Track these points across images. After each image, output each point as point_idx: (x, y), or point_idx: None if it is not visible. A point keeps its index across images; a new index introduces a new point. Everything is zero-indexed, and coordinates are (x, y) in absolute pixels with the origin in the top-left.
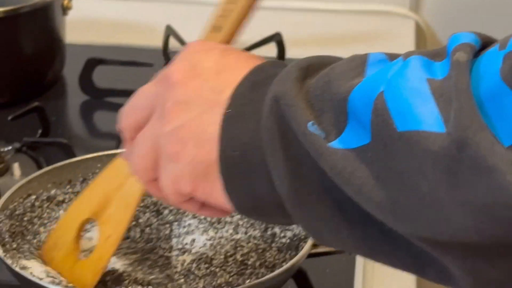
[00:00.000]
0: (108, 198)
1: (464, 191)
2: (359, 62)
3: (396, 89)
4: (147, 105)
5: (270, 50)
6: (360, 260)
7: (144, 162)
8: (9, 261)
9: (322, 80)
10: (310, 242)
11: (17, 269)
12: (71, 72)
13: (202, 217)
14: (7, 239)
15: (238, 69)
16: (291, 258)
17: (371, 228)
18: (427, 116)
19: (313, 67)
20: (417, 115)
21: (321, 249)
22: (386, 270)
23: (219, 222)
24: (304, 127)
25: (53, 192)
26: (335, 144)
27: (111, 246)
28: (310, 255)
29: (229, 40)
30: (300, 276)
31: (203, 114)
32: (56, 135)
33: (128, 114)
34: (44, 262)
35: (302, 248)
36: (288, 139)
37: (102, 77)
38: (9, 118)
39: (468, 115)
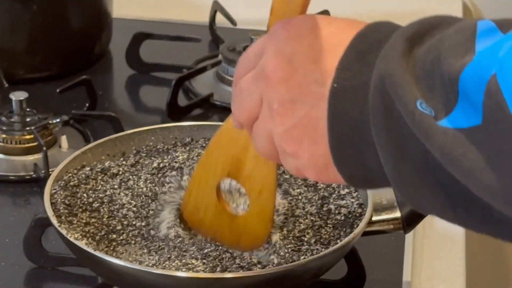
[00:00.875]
0: (237, 159)
1: None
2: (468, 35)
3: (509, 71)
4: (254, 102)
5: None
6: (409, 241)
7: (266, 152)
8: (64, 232)
9: (431, 55)
10: (365, 220)
11: (72, 239)
12: (118, 47)
13: None
14: (62, 210)
15: (334, 50)
16: (345, 236)
17: (474, 209)
18: None
19: (418, 34)
20: None
21: (375, 228)
22: (435, 250)
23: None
24: (413, 106)
25: (107, 164)
26: (444, 123)
27: (268, 199)
28: (364, 234)
29: (304, 6)
30: (350, 254)
31: (311, 111)
32: (103, 108)
33: (239, 112)
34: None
35: (357, 225)
36: (393, 118)
37: (148, 52)
38: (58, 90)
39: None
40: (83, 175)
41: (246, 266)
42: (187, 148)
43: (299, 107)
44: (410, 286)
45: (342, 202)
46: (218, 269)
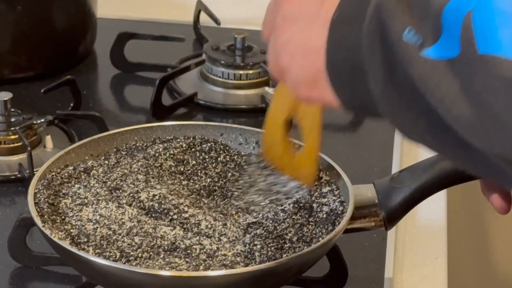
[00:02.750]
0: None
1: None
2: None
3: (483, 9)
4: (269, 19)
5: None
6: (391, 238)
7: (273, 68)
8: (47, 232)
9: None
10: (346, 217)
11: (55, 239)
12: (102, 46)
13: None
14: (45, 209)
15: None
16: (327, 233)
17: (452, 138)
18: (506, 41)
19: None
20: (498, 39)
21: (357, 225)
22: (417, 247)
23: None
24: (400, 34)
25: (89, 163)
26: (429, 52)
27: (315, 138)
28: (345, 231)
29: None
30: (332, 251)
31: (306, 28)
32: (87, 108)
33: (263, 27)
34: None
35: (339, 223)
36: (386, 44)
37: (133, 52)
38: (42, 90)
39: None
40: (66, 174)
41: (229, 265)
42: (165, 144)
43: (297, 23)
44: (392, 283)
45: (324, 200)
46: (201, 267)
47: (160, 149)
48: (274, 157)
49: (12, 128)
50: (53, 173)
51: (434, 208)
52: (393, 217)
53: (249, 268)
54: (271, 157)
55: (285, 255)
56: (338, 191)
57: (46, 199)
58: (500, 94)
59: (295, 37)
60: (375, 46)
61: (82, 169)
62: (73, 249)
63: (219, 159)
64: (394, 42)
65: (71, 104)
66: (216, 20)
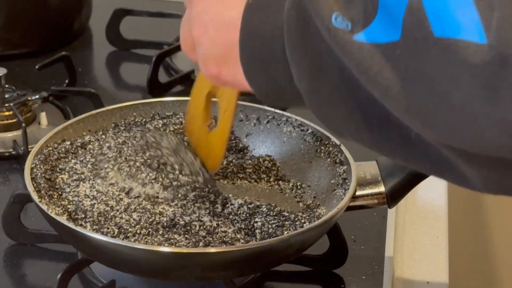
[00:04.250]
0: None
1: (503, 109)
2: None
3: None
4: None
5: None
6: (391, 216)
7: (184, 44)
8: (44, 207)
9: None
10: (348, 194)
11: (52, 214)
12: (98, 23)
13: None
14: (42, 185)
15: None
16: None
17: (391, 131)
18: (466, 23)
19: None
20: (456, 21)
21: (359, 202)
22: (417, 225)
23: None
24: (328, 21)
25: (87, 138)
26: (361, 36)
27: (228, 119)
28: (347, 208)
29: None
30: (332, 229)
31: (224, 1)
32: (83, 85)
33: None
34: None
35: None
36: (309, 33)
37: (129, 28)
38: (37, 67)
39: (511, 27)
40: (63, 149)
41: (229, 241)
42: (165, 120)
43: None
44: (392, 261)
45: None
46: (201, 244)
47: (159, 125)
48: (192, 130)
49: (7, 105)
50: (50, 148)
51: (434, 187)
52: (396, 194)
53: (249, 245)
54: (191, 129)
55: (286, 232)
56: (342, 167)
57: (43, 174)
58: (463, 82)
59: (210, 7)
60: (297, 36)
61: (79, 144)
62: (71, 225)
63: None
64: (320, 29)
65: (66, 81)
66: None
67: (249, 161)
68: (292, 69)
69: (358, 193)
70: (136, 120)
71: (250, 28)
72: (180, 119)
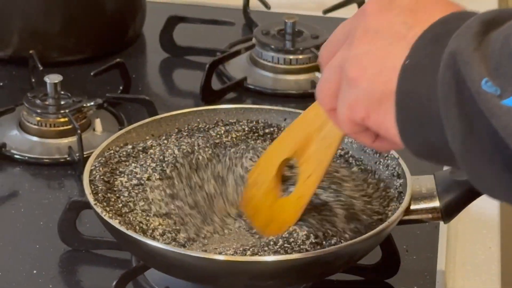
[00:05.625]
0: (309, 138)
1: None
2: None
3: None
4: (342, 35)
5: (351, 12)
6: (443, 227)
7: (327, 86)
8: (98, 210)
9: (503, 33)
10: (401, 208)
11: (106, 218)
12: (151, 30)
13: None
14: (100, 187)
15: (433, 10)
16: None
17: None
18: None
19: (497, 19)
20: None
21: (413, 216)
22: (469, 236)
23: None
24: (478, 85)
25: (149, 143)
26: (509, 101)
27: (312, 185)
28: (401, 222)
29: None
30: (385, 240)
31: (389, 45)
32: (136, 92)
33: (325, 46)
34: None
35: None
36: (463, 96)
37: (182, 35)
38: (92, 73)
39: None
40: (124, 153)
41: (280, 251)
42: (227, 127)
43: (380, 38)
44: (444, 272)
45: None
46: (249, 253)
47: (222, 132)
48: (256, 195)
49: (62, 111)
50: (112, 151)
51: (487, 197)
52: (451, 210)
53: (297, 256)
54: (252, 194)
55: (333, 240)
56: (399, 181)
57: (101, 177)
58: None
59: (373, 51)
60: (451, 98)
61: (141, 148)
62: (123, 229)
63: None
64: (472, 93)
65: (120, 88)
66: (266, 4)
67: None
68: (446, 130)
69: (412, 207)
70: (200, 126)
71: (407, 89)
72: (243, 126)
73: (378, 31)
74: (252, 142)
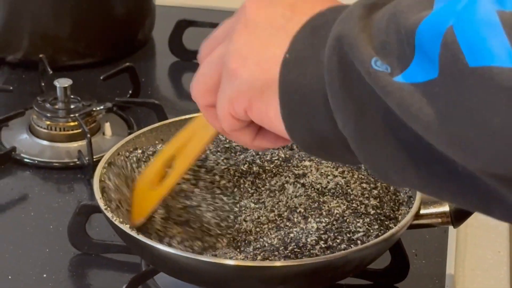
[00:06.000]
0: (190, 139)
1: None
2: None
3: (466, 22)
4: (222, 33)
5: None
6: (452, 231)
7: (203, 81)
8: (109, 214)
9: (387, 13)
10: (411, 213)
11: (117, 222)
12: (161, 34)
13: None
14: (111, 193)
15: (313, 4)
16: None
17: (437, 167)
18: (498, 50)
19: (379, 3)
20: (489, 49)
21: (423, 221)
22: (478, 240)
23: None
24: (368, 65)
25: (159, 147)
26: (400, 78)
27: (172, 177)
28: (411, 227)
29: None
30: (394, 244)
31: (269, 36)
32: (146, 96)
33: (205, 43)
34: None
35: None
36: (352, 79)
37: (191, 39)
38: (102, 77)
39: None
40: (134, 158)
41: (290, 256)
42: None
43: (259, 31)
44: (453, 277)
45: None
46: (259, 257)
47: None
48: (138, 186)
49: (72, 115)
50: (122, 156)
51: None
52: (461, 215)
53: (307, 260)
54: (137, 186)
55: (342, 245)
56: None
57: (111, 183)
58: (501, 107)
59: (253, 42)
60: (340, 83)
61: (150, 152)
62: (134, 234)
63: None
64: (362, 74)
65: (130, 92)
66: None
67: None
68: (336, 116)
69: (422, 211)
70: None
71: (289, 83)
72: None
73: (257, 24)
74: None
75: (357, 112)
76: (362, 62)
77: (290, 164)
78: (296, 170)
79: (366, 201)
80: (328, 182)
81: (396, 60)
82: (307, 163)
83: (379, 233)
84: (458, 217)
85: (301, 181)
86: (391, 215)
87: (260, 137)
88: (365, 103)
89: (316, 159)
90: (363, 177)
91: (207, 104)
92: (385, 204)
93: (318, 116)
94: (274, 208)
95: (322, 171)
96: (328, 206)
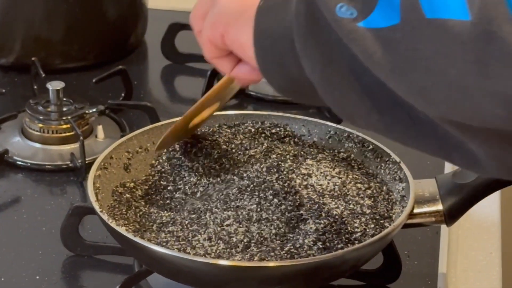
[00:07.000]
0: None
1: (494, 82)
2: None
3: None
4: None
5: None
6: (445, 232)
7: (198, 8)
8: (105, 217)
9: None
10: (405, 212)
11: (113, 225)
12: (153, 37)
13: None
14: (104, 195)
15: None
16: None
17: (400, 112)
18: (453, 3)
19: None
20: (444, 1)
21: (416, 220)
22: (471, 241)
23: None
24: (333, 11)
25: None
26: (365, 23)
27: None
28: (405, 226)
29: None
30: (387, 246)
31: None
32: (138, 99)
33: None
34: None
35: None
36: (319, 25)
37: (184, 42)
38: (94, 80)
39: (493, 4)
40: (127, 160)
41: (287, 256)
42: (233, 129)
43: None
44: (445, 278)
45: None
46: (256, 258)
47: (229, 134)
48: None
49: (64, 118)
50: (114, 159)
51: (487, 202)
52: (454, 213)
53: (304, 260)
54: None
55: (339, 245)
56: (402, 184)
57: (104, 185)
58: (457, 59)
59: None
60: (307, 30)
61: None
62: (129, 235)
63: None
64: (327, 20)
65: (122, 94)
66: None
67: None
68: (303, 62)
69: (415, 210)
70: (203, 130)
71: (261, 29)
72: (249, 128)
73: None
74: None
75: (324, 60)
76: (328, 8)
77: (294, 165)
78: (302, 169)
79: (362, 201)
80: (328, 183)
81: (360, 5)
82: (309, 161)
83: (376, 232)
84: (451, 215)
85: (304, 183)
86: (386, 214)
87: (239, 66)
88: (332, 50)
89: (316, 158)
90: (357, 177)
91: (198, 30)
92: (379, 204)
93: (288, 61)
94: (276, 210)
95: (321, 171)
96: (328, 208)
